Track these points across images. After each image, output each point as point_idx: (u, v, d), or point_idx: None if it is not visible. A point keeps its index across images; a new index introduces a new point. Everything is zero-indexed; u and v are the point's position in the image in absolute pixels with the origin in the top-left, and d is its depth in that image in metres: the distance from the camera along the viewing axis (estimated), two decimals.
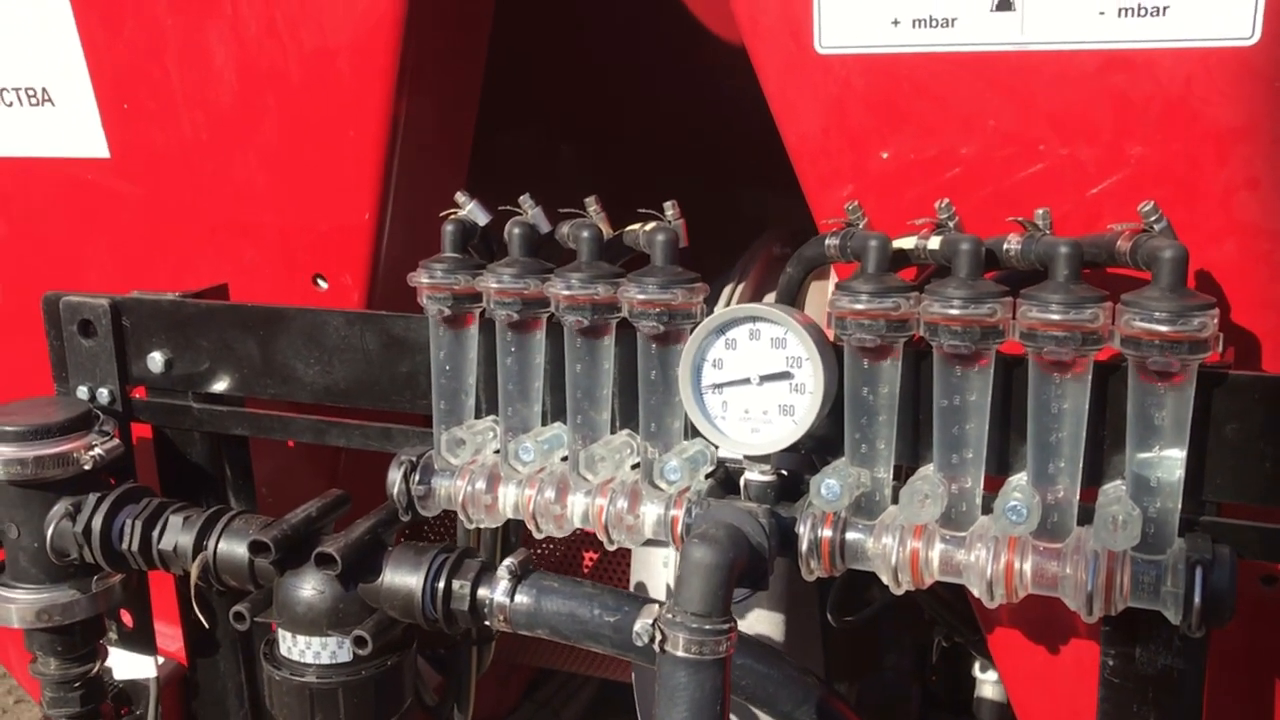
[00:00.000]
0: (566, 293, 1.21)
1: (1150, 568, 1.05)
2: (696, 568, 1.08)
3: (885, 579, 1.14)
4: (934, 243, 1.15)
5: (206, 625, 1.58)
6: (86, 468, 1.46)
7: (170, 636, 1.72)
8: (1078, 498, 1.08)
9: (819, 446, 1.21)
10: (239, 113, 1.56)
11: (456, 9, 1.57)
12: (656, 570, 1.72)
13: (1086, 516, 1.07)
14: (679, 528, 1.22)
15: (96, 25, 1.59)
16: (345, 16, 1.45)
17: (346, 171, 1.54)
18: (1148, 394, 1.02)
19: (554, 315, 1.25)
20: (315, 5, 1.45)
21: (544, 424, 1.33)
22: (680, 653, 1.07)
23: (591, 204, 1.31)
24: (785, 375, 1.15)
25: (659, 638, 1.09)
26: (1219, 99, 1.09)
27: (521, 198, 1.34)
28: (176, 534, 1.43)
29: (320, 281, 1.63)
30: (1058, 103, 1.15)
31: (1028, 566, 1.08)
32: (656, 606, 1.20)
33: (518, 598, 1.28)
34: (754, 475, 1.20)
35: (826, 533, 1.15)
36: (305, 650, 1.33)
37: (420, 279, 1.29)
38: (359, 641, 1.28)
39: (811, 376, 1.14)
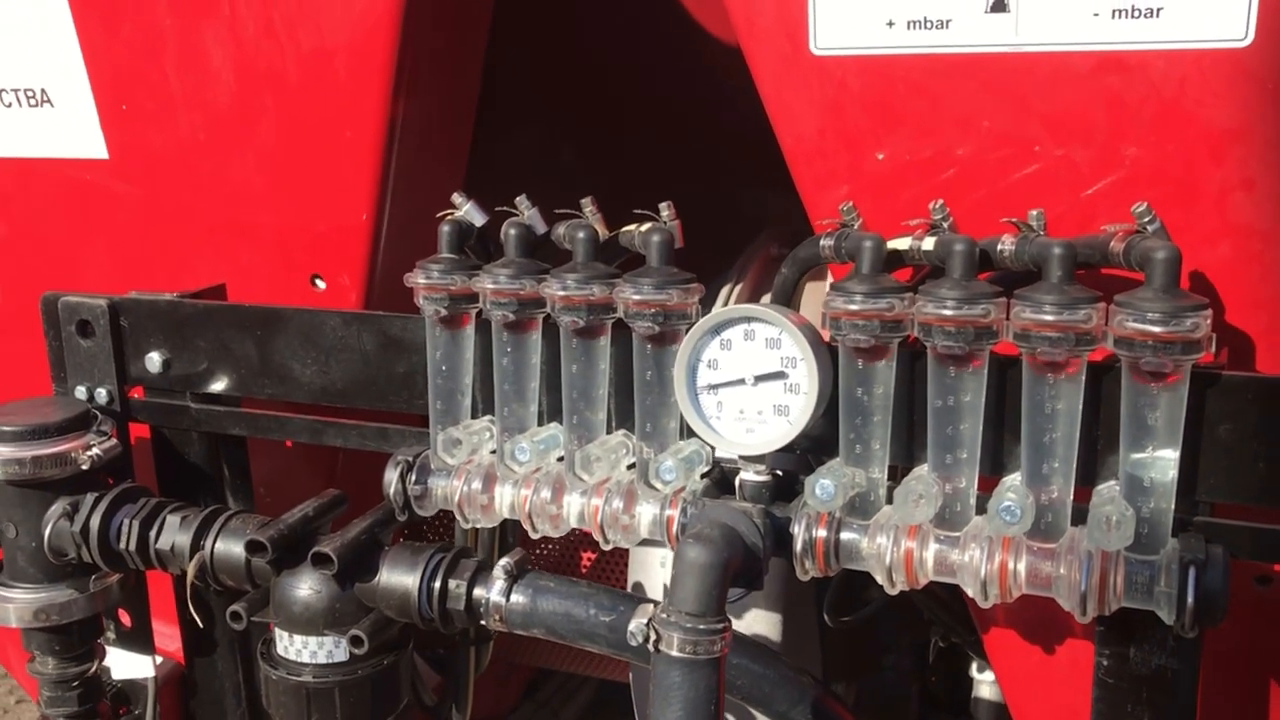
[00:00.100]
0: (562, 293, 1.21)
1: (1144, 568, 1.05)
2: (691, 567, 1.09)
3: (880, 579, 1.14)
4: (928, 243, 1.15)
5: (200, 625, 1.58)
6: (84, 467, 1.46)
7: (168, 636, 1.72)
8: (1071, 498, 1.08)
9: (814, 447, 1.21)
10: (237, 114, 1.56)
11: (455, 10, 1.57)
12: (654, 570, 1.72)
13: (1080, 517, 1.07)
14: (674, 528, 1.23)
15: (95, 26, 1.59)
16: (343, 17, 1.45)
17: (344, 172, 1.54)
18: (1141, 394, 1.02)
19: (550, 316, 1.25)
20: (313, 6, 1.46)
21: (540, 424, 1.33)
22: (675, 652, 1.07)
23: (587, 205, 1.31)
24: (780, 375, 1.16)
25: (654, 637, 1.09)
26: (1213, 100, 1.09)
27: (518, 198, 1.34)
28: (174, 534, 1.44)
29: (318, 282, 1.63)
30: (1052, 104, 1.15)
31: (1022, 566, 1.08)
32: (652, 606, 1.20)
33: (513, 597, 1.29)
34: (749, 475, 1.20)
35: (821, 533, 1.15)
36: (302, 650, 1.33)
37: (417, 279, 1.29)
38: (355, 641, 1.28)
39: (806, 377, 1.14)
